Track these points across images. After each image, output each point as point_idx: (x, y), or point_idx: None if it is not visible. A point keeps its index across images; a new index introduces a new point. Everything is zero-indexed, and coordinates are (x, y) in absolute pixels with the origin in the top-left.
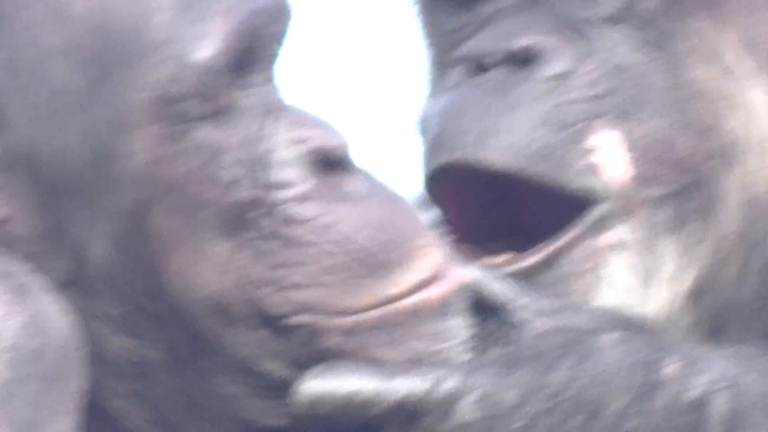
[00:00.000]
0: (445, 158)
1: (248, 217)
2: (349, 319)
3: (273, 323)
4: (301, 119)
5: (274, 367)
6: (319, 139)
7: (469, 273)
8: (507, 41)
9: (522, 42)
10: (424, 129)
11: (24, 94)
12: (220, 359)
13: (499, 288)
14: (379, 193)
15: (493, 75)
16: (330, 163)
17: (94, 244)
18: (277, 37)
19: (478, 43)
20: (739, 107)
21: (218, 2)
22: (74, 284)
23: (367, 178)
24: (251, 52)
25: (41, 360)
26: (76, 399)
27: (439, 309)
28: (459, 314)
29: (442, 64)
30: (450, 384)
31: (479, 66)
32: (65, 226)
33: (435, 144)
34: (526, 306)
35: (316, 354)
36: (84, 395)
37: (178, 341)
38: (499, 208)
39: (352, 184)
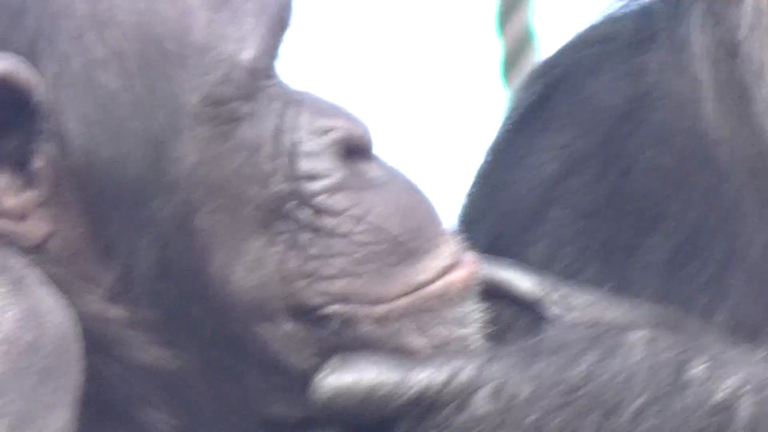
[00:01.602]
0: None
1: (283, 210)
2: (382, 307)
3: (307, 315)
4: (322, 108)
5: (306, 360)
6: (345, 128)
7: (498, 264)
8: None
9: None
10: None
11: (75, 106)
12: (252, 358)
13: (530, 281)
14: (398, 180)
15: None
16: (355, 152)
17: (142, 253)
18: (287, 29)
19: None
20: None
21: (248, 1)
22: (120, 296)
23: (386, 165)
24: (279, 47)
25: (37, 353)
26: (72, 392)
27: (462, 294)
28: (478, 300)
29: None
30: (466, 376)
31: None
32: (115, 238)
33: None
34: (558, 300)
35: (349, 344)
36: (94, 395)
37: (212, 344)
38: None
39: (375, 172)
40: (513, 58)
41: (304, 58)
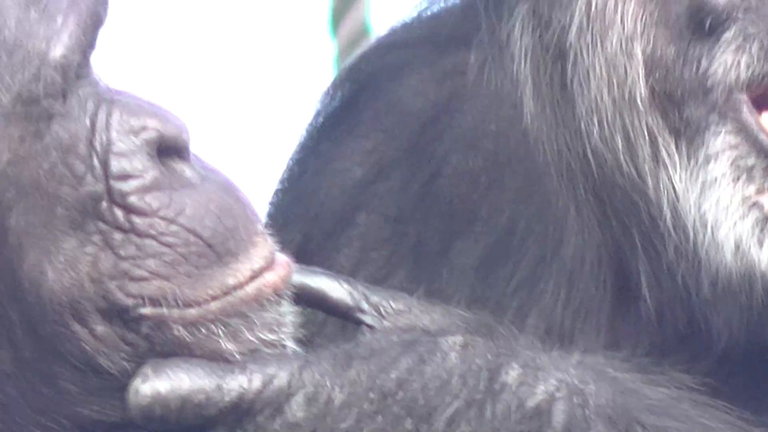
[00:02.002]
0: None
1: (96, 210)
2: (194, 311)
3: (120, 316)
4: (136, 107)
5: (120, 363)
6: (158, 128)
7: (312, 271)
8: None
9: None
10: None
11: None
12: (66, 359)
13: (343, 288)
14: (214, 180)
15: None
16: (169, 151)
17: None
18: (102, 25)
19: None
20: None
21: None
22: None
23: (202, 165)
24: (93, 44)
25: None
26: None
27: (275, 298)
28: (291, 304)
29: None
30: (279, 382)
31: None
32: None
33: None
34: (371, 306)
35: (162, 347)
36: None
37: (26, 345)
38: None
39: (189, 172)
40: (347, 57)
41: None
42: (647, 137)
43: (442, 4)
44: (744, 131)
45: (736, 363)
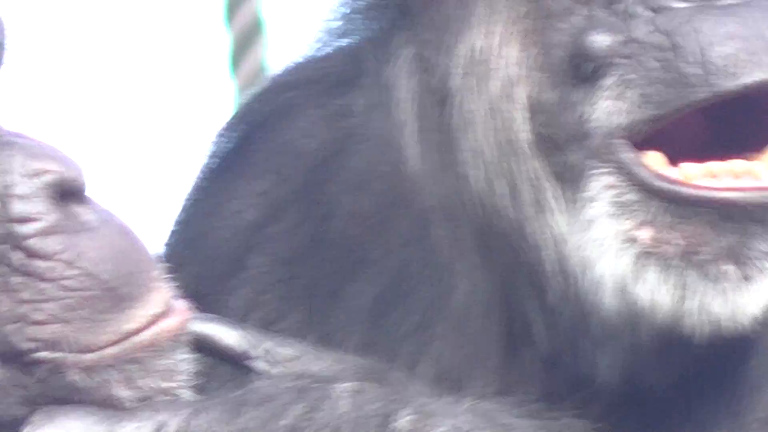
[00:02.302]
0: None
1: None
2: (91, 356)
3: (16, 360)
4: (35, 151)
5: (14, 407)
6: (58, 171)
7: (203, 318)
8: None
9: None
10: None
11: None
12: None
13: (235, 334)
14: (112, 224)
15: None
16: (68, 195)
17: None
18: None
19: None
20: None
21: None
22: None
23: (99, 209)
24: None
25: None
26: None
27: (171, 344)
28: (187, 351)
29: None
30: (172, 429)
31: None
32: None
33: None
34: (263, 352)
35: (57, 392)
36: None
37: None
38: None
39: (88, 216)
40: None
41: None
42: (530, 182)
43: (335, 45)
44: (622, 169)
45: (627, 405)
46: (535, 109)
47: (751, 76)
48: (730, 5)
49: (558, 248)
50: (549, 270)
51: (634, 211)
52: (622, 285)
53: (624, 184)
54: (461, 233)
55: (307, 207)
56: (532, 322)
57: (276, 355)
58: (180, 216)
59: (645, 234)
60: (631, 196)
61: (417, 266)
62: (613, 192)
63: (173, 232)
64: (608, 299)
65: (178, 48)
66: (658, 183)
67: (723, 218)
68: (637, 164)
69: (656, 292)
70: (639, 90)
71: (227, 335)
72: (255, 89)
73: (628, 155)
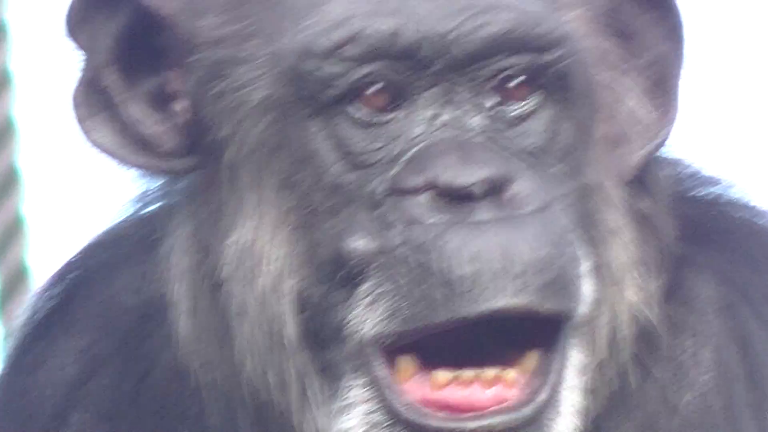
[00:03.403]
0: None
1: None
2: None
3: None
4: None
5: None
6: None
7: None
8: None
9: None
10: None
11: None
12: None
13: None
14: None
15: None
16: None
17: None
18: None
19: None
20: None
21: None
22: None
23: None
24: None
25: None
26: None
27: None
28: None
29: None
30: None
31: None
32: None
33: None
34: None
35: None
36: None
37: None
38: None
39: None
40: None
41: None
42: (297, 375)
43: (157, 205)
44: (374, 386)
45: None
46: (302, 304)
47: (491, 302)
48: (482, 221)
49: None
50: None
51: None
52: None
53: (375, 402)
54: (236, 416)
55: (127, 362)
56: None
57: None
58: (2, 373)
59: None
60: (379, 417)
61: (231, 425)
62: (365, 407)
63: None
64: None
65: None
66: (404, 412)
67: None
68: (388, 383)
69: None
70: (389, 303)
71: None
72: (79, 247)
73: (379, 371)
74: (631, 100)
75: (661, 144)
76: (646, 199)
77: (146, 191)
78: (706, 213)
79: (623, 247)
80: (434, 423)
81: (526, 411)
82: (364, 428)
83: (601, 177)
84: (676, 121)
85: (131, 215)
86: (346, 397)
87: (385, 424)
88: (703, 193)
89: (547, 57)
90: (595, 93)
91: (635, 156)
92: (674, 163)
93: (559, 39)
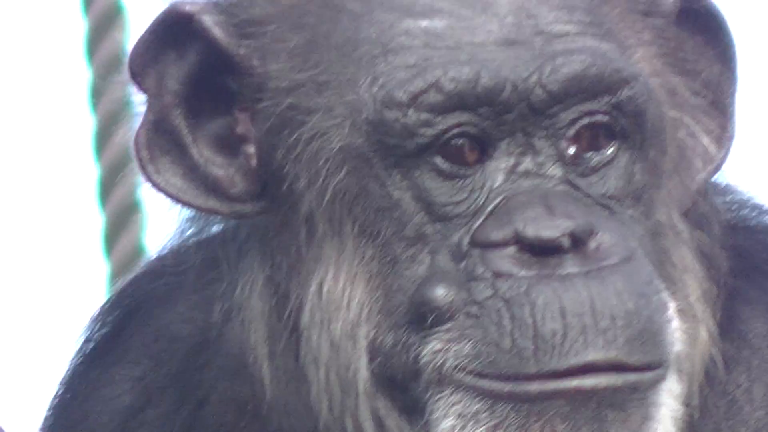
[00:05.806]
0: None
1: None
2: None
3: None
4: None
5: None
6: None
7: None
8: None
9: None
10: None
11: None
12: None
13: None
14: None
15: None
16: None
17: None
18: None
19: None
20: None
21: None
22: None
23: None
24: None
25: None
26: None
27: None
28: None
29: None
30: None
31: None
32: None
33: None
34: None
35: None
36: None
37: None
38: None
39: None
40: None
41: None
42: (373, 420)
43: (212, 230)
44: (462, 386)
45: None
46: (375, 351)
47: (580, 356)
48: (570, 275)
49: None
50: None
51: (482, 419)
52: None
53: (468, 396)
54: None
55: (183, 391)
56: None
57: None
58: (54, 400)
59: None
60: (477, 406)
61: None
62: (458, 407)
63: (47, 416)
64: None
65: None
66: (500, 386)
67: (574, 409)
68: (473, 378)
69: None
70: (474, 344)
71: None
72: (130, 273)
73: (461, 376)
74: (692, 128)
75: (719, 167)
76: (702, 229)
77: (193, 218)
78: (759, 243)
79: (697, 282)
80: (543, 387)
81: None
82: (460, 424)
83: (671, 212)
84: (733, 142)
85: (181, 243)
86: (437, 411)
87: (483, 410)
88: (755, 222)
89: (624, 95)
90: (665, 130)
91: (694, 183)
92: (725, 190)
93: (633, 76)
